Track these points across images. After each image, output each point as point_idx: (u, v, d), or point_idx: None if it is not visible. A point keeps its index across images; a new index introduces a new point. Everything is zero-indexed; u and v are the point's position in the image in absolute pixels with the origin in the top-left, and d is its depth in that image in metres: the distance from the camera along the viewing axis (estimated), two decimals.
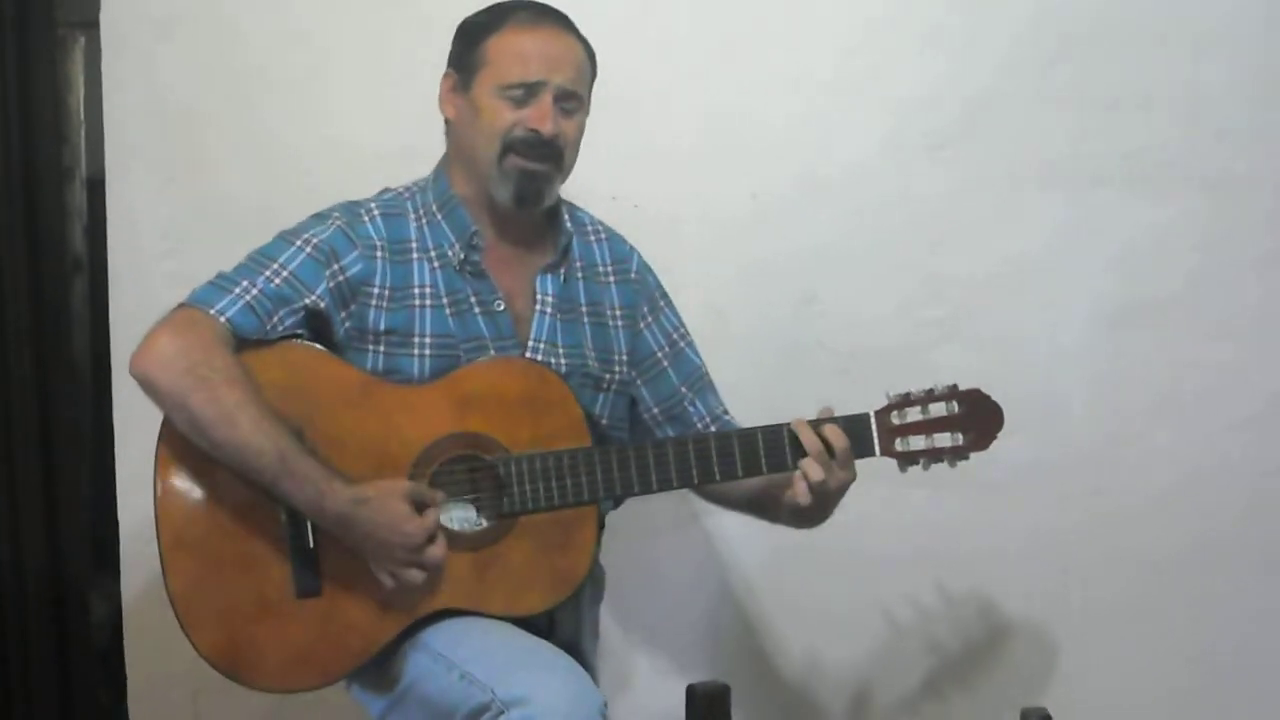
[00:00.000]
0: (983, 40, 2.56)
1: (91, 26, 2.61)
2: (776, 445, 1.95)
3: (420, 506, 1.86)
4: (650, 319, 2.15)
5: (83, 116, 2.78)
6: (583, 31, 2.02)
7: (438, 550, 1.86)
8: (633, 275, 2.15)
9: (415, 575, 1.86)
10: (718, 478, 1.96)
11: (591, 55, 2.03)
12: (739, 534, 2.58)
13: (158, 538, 1.88)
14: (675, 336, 2.17)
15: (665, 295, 2.19)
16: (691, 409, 2.14)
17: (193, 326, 1.86)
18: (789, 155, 2.57)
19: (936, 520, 2.56)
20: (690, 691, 2.15)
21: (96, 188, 2.67)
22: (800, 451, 1.93)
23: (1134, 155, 2.57)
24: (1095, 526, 2.60)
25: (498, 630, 1.89)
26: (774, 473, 1.96)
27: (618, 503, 2.09)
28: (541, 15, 2.00)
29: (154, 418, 1.90)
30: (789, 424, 1.95)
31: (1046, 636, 2.61)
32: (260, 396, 1.84)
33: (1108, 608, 2.61)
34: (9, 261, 2.65)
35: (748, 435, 1.96)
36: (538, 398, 1.94)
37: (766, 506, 2.05)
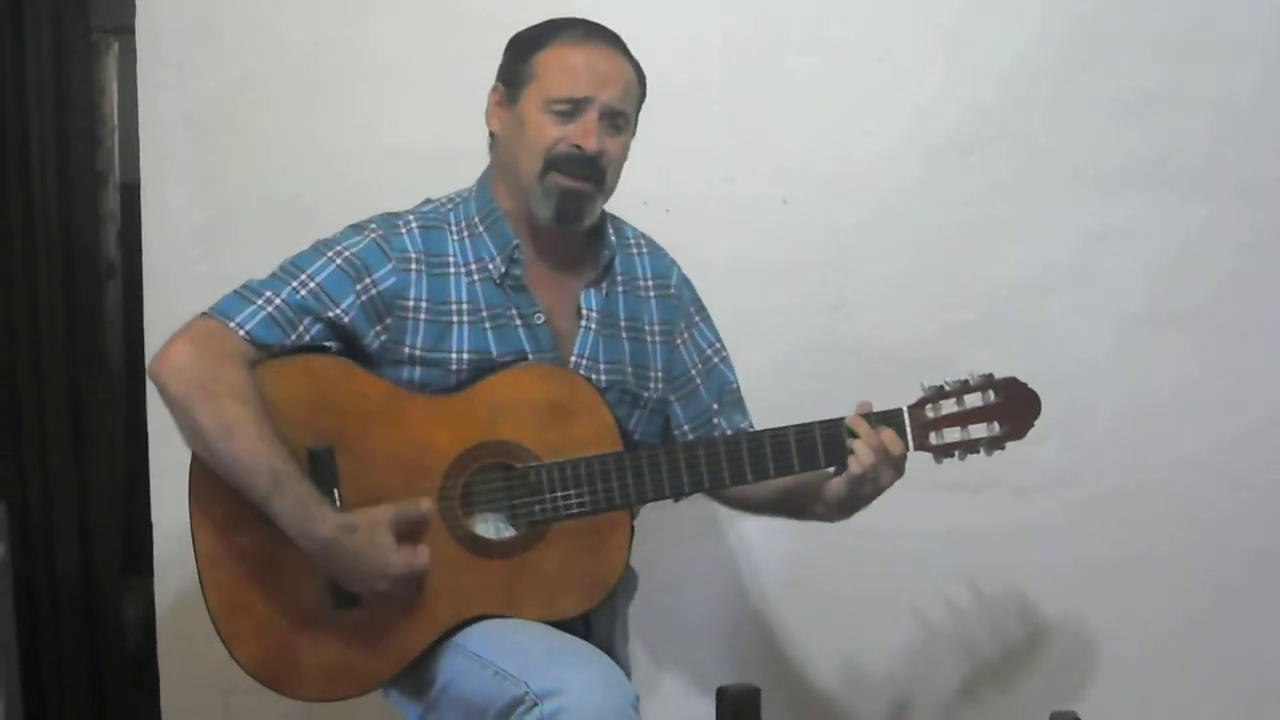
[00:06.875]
0: (1012, 44, 2.56)
1: (126, 32, 2.62)
2: (809, 444, 1.94)
3: (405, 530, 1.87)
4: (686, 335, 2.14)
5: (117, 121, 2.80)
6: (617, 37, 2.01)
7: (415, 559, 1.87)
8: (672, 290, 2.14)
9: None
10: (749, 478, 1.95)
11: (641, 77, 2.02)
12: (767, 537, 2.58)
13: (195, 554, 1.90)
14: (710, 352, 2.16)
15: (702, 309, 2.19)
16: (716, 423, 2.13)
17: (210, 338, 1.88)
18: (819, 161, 2.58)
19: (967, 523, 2.56)
20: (720, 693, 2.15)
21: (131, 192, 2.70)
22: (835, 449, 1.93)
23: (1165, 159, 2.57)
24: (1124, 532, 2.59)
25: (530, 629, 1.90)
26: (806, 471, 1.96)
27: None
28: (592, 32, 1.99)
29: None
30: (845, 419, 1.95)
31: (1076, 641, 2.61)
32: (264, 415, 1.84)
33: (1137, 613, 2.60)
34: (44, 266, 2.67)
35: (780, 434, 1.95)
36: (567, 403, 1.94)
37: (799, 501, 2.04)
